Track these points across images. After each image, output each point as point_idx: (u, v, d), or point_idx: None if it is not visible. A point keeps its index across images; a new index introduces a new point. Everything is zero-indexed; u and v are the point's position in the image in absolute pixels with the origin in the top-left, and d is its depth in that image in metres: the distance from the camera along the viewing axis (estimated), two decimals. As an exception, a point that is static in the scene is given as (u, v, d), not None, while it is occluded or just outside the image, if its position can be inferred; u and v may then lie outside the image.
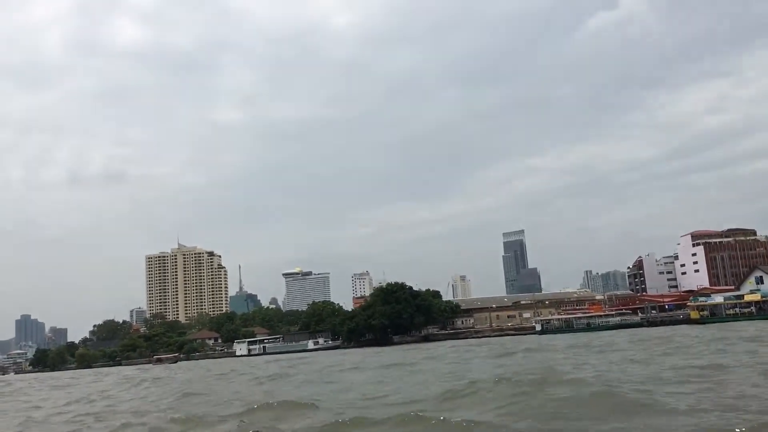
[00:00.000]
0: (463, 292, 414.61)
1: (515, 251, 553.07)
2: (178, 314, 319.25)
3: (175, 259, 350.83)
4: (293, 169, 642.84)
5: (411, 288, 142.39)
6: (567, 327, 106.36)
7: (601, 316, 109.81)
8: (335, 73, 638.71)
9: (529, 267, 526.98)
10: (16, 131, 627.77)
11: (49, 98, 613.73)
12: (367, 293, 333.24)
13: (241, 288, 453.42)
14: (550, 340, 70.93)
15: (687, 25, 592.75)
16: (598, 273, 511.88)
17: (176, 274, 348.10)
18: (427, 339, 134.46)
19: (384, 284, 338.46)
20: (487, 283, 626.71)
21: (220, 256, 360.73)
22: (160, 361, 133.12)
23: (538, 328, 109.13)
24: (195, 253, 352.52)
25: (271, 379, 43.86)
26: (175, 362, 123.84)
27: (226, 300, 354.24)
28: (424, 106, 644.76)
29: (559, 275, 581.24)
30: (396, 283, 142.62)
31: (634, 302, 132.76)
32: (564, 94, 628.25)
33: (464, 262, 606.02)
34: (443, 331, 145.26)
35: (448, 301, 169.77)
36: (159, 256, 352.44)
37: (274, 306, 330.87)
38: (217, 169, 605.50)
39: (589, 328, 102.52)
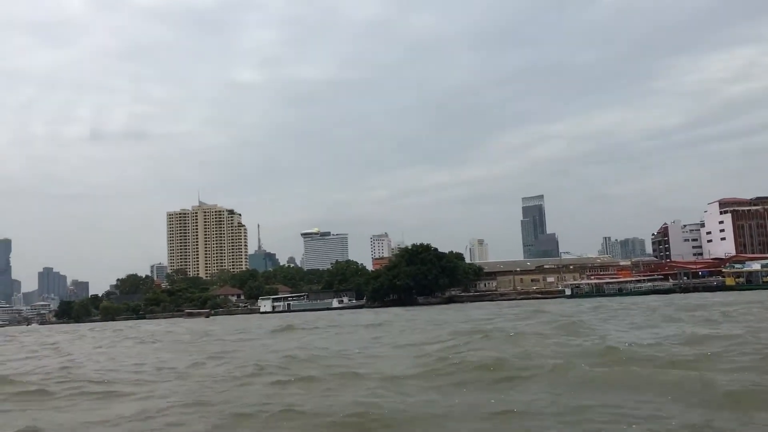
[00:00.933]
0: (480, 255, 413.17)
1: (534, 216, 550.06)
2: (198, 271, 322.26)
3: (196, 216, 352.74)
4: (312, 131, 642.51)
5: (436, 249, 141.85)
6: (597, 291, 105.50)
7: (631, 281, 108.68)
8: (357, 33, 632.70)
9: (548, 232, 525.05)
10: (39, 87, 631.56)
11: (71, 55, 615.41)
12: (386, 255, 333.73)
13: (259, 247, 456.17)
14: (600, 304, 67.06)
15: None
16: (617, 240, 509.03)
17: (197, 231, 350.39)
18: (451, 300, 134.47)
19: (402, 246, 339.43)
20: (505, 247, 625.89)
21: (240, 215, 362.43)
22: (191, 315, 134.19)
23: (568, 292, 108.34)
24: (215, 211, 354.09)
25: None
26: (208, 317, 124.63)
27: (246, 258, 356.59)
28: (445, 69, 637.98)
29: (577, 241, 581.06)
30: (421, 245, 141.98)
31: (662, 268, 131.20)
32: (586, 60, 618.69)
33: (482, 226, 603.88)
34: (467, 293, 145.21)
35: (471, 264, 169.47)
36: (180, 213, 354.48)
37: (292, 265, 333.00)
38: (237, 129, 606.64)
39: (620, 293, 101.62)
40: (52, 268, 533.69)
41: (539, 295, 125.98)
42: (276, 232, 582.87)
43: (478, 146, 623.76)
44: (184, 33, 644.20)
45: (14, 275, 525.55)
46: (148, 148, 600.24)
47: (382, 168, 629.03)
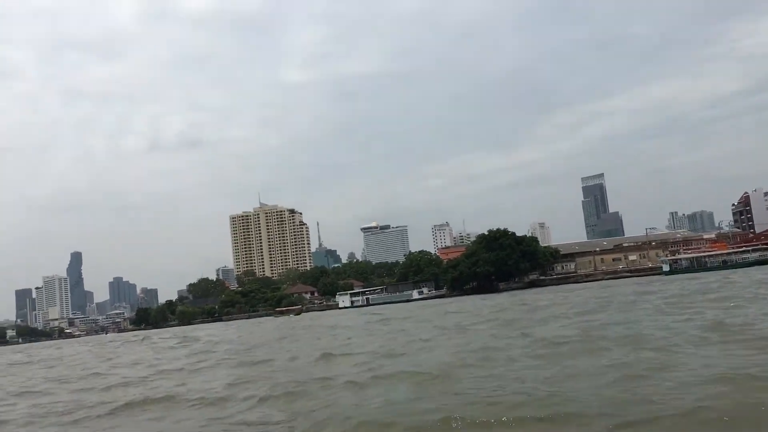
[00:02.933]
0: (542, 239, 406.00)
1: (595, 196, 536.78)
2: (264, 271, 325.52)
3: (258, 217, 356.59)
4: (364, 125, 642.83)
5: (514, 234, 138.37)
6: (699, 266, 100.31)
7: (735, 253, 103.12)
8: (402, 24, 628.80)
9: (610, 211, 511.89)
10: (95, 102, 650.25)
11: (124, 68, 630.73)
12: (448, 244, 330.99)
13: (320, 244, 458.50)
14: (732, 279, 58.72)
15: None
16: (684, 214, 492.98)
17: (260, 233, 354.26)
18: (533, 285, 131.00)
19: (465, 234, 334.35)
20: (567, 229, 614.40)
21: (300, 213, 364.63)
22: (281, 313, 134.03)
23: (666, 268, 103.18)
24: (277, 212, 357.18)
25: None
26: (299, 314, 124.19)
27: (309, 256, 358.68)
28: (493, 53, 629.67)
29: (642, 218, 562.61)
30: (498, 229, 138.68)
31: (759, 239, 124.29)
32: (638, 32, 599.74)
33: (541, 209, 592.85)
34: (547, 277, 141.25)
35: (547, 246, 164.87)
36: (242, 216, 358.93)
37: (354, 260, 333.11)
38: (289, 129, 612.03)
39: (725, 266, 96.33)
40: (121, 278, 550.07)
41: (628, 274, 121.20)
42: (335, 228, 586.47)
43: (532, 128, 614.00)
44: (232, 38, 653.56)
45: (86, 287, 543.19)
46: (204, 155, 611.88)
47: (437, 157, 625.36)
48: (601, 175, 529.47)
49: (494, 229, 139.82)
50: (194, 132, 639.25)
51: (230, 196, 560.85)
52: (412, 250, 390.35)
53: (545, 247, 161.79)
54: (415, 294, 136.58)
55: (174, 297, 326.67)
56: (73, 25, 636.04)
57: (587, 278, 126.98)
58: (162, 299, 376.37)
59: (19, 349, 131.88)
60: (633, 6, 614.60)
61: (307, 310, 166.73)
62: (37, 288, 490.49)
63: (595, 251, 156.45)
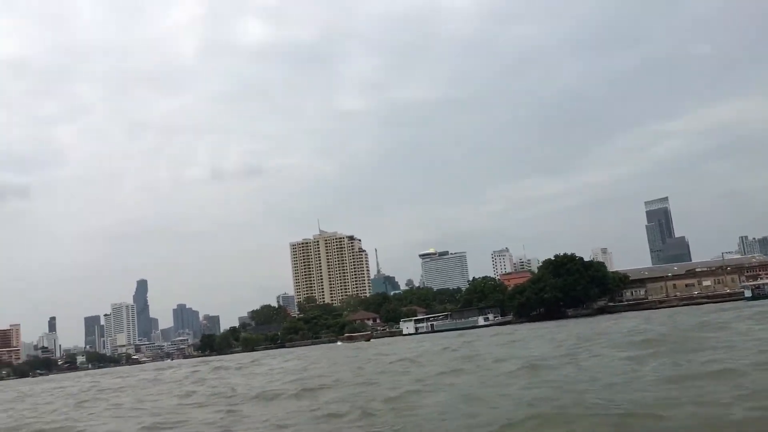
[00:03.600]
0: (605, 264, 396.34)
1: (659, 220, 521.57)
2: (324, 298, 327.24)
3: (318, 245, 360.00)
4: (420, 152, 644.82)
5: (582, 259, 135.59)
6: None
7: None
8: (458, 52, 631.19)
9: (676, 236, 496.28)
10: (159, 134, 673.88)
11: (186, 100, 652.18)
12: (508, 270, 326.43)
13: (378, 271, 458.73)
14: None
15: None
16: (754, 238, 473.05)
17: (320, 259, 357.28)
18: (603, 311, 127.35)
19: (525, 260, 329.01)
20: (630, 254, 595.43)
21: (360, 240, 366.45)
22: (351, 339, 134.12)
23: (748, 294, 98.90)
24: (336, 238, 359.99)
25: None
26: (368, 340, 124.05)
27: (369, 283, 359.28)
28: (551, 77, 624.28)
29: (710, 243, 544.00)
30: (565, 255, 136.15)
31: None
32: (701, 53, 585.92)
33: (603, 234, 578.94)
34: (618, 303, 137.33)
35: (615, 272, 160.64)
36: (302, 243, 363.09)
37: (412, 287, 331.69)
38: (345, 157, 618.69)
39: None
40: (185, 305, 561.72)
41: (705, 300, 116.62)
42: (392, 254, 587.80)
43: (591, 152, 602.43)
44: (290, 68, 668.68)
45: (152, 313, 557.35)
46: (262, 183, 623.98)
47: (494, 182, 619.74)
48: (666, 199, 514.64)
49: (560, 255, 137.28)
50: (253, 160, 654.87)
51: (289, 223, 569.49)
52: (471, 277, 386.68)
53: (613, 272, 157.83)
54: (480, 320, 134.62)
55: (235, 323, 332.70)
56: (139, 60, 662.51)
57: (660, 304, 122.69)
58: (224, 326, 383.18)
59: (100, 373, 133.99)
60: (694, 26, 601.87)
61: (372, 337, 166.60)
62: (105, 315, 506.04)
63: (666, 276, 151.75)
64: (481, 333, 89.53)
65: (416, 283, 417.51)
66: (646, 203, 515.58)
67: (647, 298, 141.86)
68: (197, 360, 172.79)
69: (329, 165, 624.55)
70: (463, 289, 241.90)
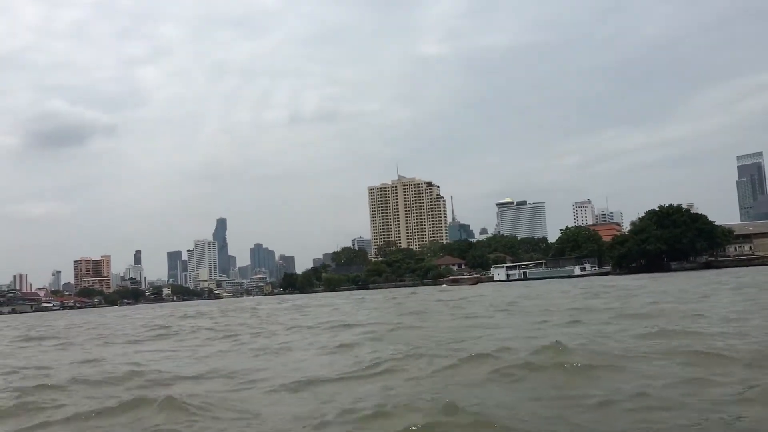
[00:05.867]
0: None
1: (751, 175, 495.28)
2: (400, 242, 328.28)
3: (396, 189, 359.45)
4: (499, 99, 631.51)
5: (688, 210, 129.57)
6: None
7: None
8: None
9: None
10: (240, 76, 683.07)
11: (268, 44, 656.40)
12: (590, 222, 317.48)
13: (453, 218, 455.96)
14: None
15: None
16: None
17: (397, 205, 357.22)
18: (709, 266, 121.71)
19: (608, 212, 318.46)
20: (718, 211, 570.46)
21: (438, 187, 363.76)
22: (456, 282, 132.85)
23: None
24: (414, 184, 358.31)
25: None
26: (475, 284, 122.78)
27: (446, 230, 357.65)
28: (638, 23, 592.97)
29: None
30: (670, 205, 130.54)
31: None
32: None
33: (688, 189, 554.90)
34: (724, 258, 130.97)
35: (719, 226, 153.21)
36: (380, 188, 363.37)
37: (486, 235, 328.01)
38: (424, 103, 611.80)
39: None
40: (261, 244, 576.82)
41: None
42: (466, 202, 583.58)
43: (679, 104, 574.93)
44: (369, 13, 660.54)
45: (230, 251, 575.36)
46: (340, 127, 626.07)
47: (574, 133, 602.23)
48: (759, 154, 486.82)
49: (665, 205, 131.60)
50: (332, 105, 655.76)
51: (364, 169, 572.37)
52: (549, 228, 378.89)
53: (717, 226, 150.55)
54: (577, 270, 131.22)
55: (310, 264, 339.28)
56: (222, 3, 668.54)
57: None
58: (299, 266, 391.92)
59: (219, 303, 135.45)
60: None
61: (460, 283, 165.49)
62: (188, 250, 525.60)
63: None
64: (591, 282, 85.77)
65: (490, 232, 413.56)
66: (738, 158, 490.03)
67: (753, 254, 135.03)
68: (278, 297, 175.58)
69: (407, 111, 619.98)
70: (546, 238, 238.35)
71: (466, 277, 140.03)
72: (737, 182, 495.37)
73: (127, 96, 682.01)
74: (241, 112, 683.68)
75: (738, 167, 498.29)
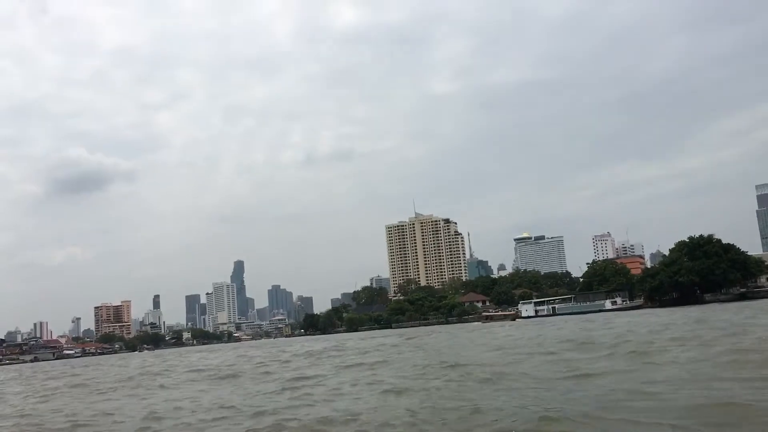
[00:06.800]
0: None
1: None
2: (419, 281, 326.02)
3: (414, 227, 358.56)
4: (511, 135, 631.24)
5: (720, 241, 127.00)
6: None
7: None
8: (550, 30, 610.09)
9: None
10: (257, 118, 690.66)
11: (283, 85, 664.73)
12: (610, 255, 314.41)
13: (471, 254, 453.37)
14: None
15: None
16: None
17: (415, 242, 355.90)
18: (744, 297, 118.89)
19: (629, 245, 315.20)
20: (739, 241, 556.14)
21: (456, 223, 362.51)
22: (490, 318, 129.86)
23: None
24: (432, 221, 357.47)
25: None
26: (514, 319, 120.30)
27: (465, 266, 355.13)
28: (649, 58, 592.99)
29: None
30: (701, 236, 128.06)
31: None
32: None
33: (707, 220, 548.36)
34: (760, 289, 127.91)
35: (751, 256, 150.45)
36: (398, 226, 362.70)
37: (505, 272, 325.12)
38: (436, 140, 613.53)
39: None
40: (279, 285, 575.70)
41: None
42: (483, 238, 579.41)
43: (693, 135, 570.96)
44: (382, 52, 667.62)
45: (248, 293, 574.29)
46: (355, 166, 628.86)
47: (588, 167, 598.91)
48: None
49: (695, 236, 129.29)
50: (346, 144, 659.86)
51: (380, 207, 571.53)
52: (568, 262, 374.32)
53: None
54: (608, 304, 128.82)
55: (328, 305, 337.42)
56: (236, 46, 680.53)
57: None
58: (317, 307, 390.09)
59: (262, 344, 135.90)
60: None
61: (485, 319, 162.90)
62: (207, 293, 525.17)
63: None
64: (627, 317, 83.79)
65: (508, 268, 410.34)
66: (758, 187, 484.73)
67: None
68: (308, 337, 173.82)
69: (420, 149, 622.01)
70: (570, 272, 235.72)
71: (500, 313, 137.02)
72: (757, 211, 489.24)
73: (146, 141, 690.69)
74: (257, 153, 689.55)
75: (758, 196, 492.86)
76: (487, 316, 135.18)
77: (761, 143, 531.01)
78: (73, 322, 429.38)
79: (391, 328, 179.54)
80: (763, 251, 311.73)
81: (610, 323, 60.17)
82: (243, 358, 56.33)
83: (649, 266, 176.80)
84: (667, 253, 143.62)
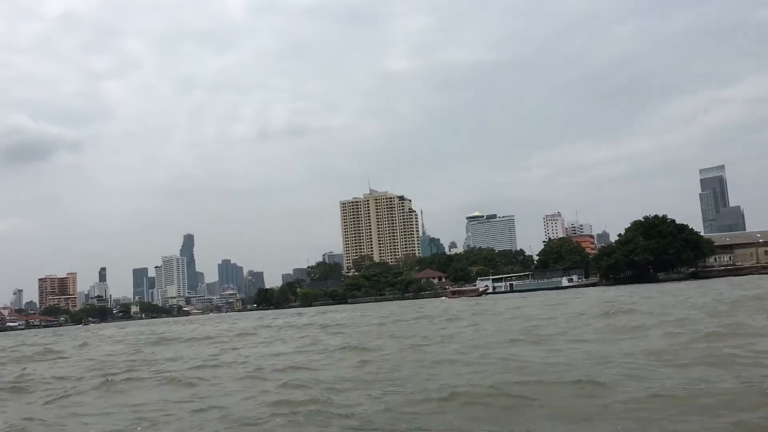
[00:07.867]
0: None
1: (714, 189, 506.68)
2: (373, 257, 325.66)
3: (368, 204, 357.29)
4: (466, 115, 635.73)
5: (674, 221, 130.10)
6: None
7: None
8: (506, 13, 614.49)
9: (731, 206, 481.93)
10: (208, 91, 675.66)
11: (235, 58, 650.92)
12: (560, 235, 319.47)
13: (423, 232, 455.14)
14: None
15: None
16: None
17: (369, 219, 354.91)
18: (696, 276, 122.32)
19: (577, 225, 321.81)
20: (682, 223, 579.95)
21: (410, 201, 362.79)
22: (457, 293, 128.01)
23: None
24: (386, 198, 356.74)
25: None
26: (480, 295, 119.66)
27: (418, 243, 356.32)
28: (600, 42, 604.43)
29: (765, 213, 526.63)
30: (656, 216, 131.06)
31: None
32: (763, 16, 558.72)
33: (652, 202, 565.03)
34: (710, 268, 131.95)
35: (703, 236, 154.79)
36: (352, 202, 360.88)
37: (455, 250, 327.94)
38: (391, 118, 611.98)
39: None
40: (230, 260, 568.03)
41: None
42: (435, 216, 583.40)
43: (641, 118, 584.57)
44: (338, 28, 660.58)
45: (197, 268, 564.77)
46: (309, 142, 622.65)
47: (539, 147, 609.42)
48: (722, 167, 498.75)
49: (650, 216, 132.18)
50: (300, 120, 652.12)
51: (334, 183, 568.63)
52: (519, 241, 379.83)
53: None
54: (564, 281, 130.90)
55: (279, 280, 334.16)
56: (188, 17, 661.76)
57: (763, 270, 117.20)
58: (268, 282, 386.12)
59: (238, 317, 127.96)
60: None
61: (440, 296, 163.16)
62: (156, 267, 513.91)
63: (758, 242, 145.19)
64: (583, 294, 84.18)
65: (460, 246, 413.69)
66: (701, 171, 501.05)
67: (734, 264, 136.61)
68: (260, 312, 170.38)
69: (375, 126, 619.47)
70: (522, 250, 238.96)
71: (468, 288, 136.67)
72: (700, 195, 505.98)
73: (92, 111, 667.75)
74: (208, 126, 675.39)
75: (701, 180, 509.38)
76: (454, 291, 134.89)
77: (707, 128, 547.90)
78: (14, 294, 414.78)
79: (346, 303, 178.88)
80: (705, 233, 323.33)
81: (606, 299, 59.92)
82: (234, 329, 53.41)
83: (597, 246, 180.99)
84: (613, 234, 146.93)
